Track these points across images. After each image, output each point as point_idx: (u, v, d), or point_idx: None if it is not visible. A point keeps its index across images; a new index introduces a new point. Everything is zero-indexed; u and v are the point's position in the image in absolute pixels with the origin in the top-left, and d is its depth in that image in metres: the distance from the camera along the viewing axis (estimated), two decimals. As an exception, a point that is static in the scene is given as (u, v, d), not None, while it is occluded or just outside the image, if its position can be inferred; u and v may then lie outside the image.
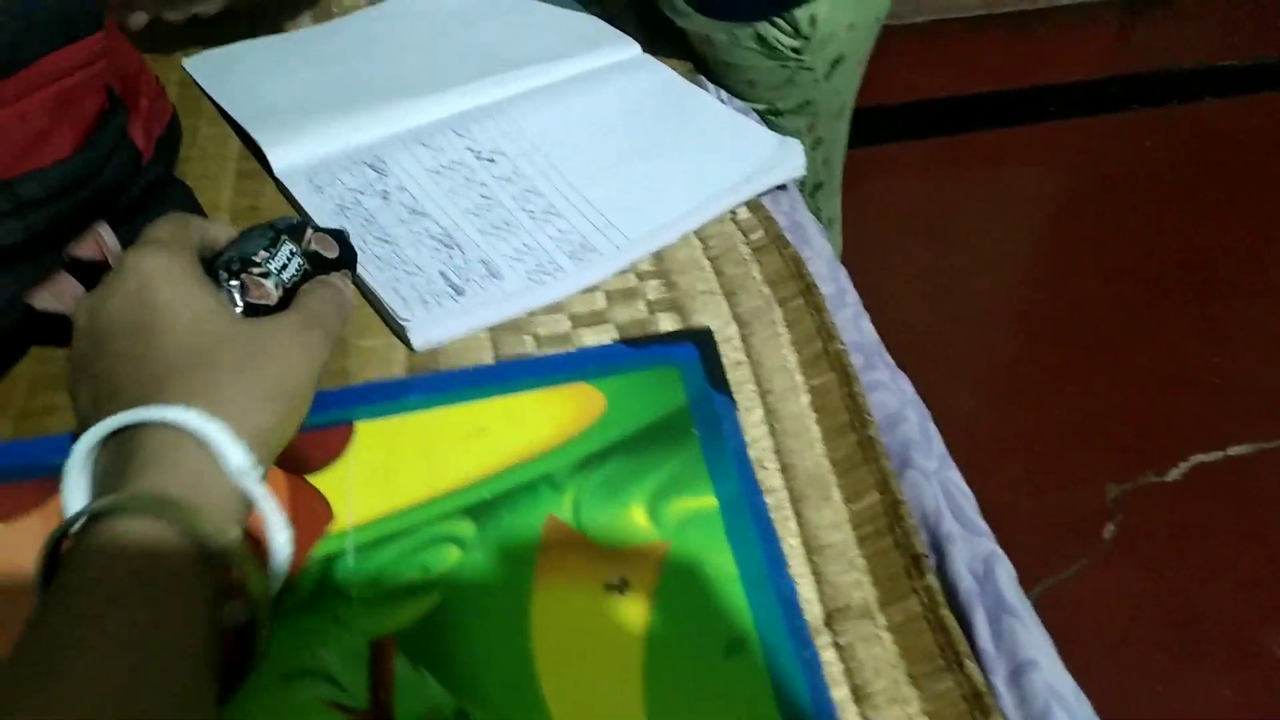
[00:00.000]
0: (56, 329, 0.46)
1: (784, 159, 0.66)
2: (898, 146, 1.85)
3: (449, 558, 0.41)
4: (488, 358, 0.54)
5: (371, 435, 0.47)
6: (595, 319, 0.57)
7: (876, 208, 1.65)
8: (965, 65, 2.06)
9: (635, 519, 0.43)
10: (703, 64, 0.83)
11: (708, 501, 0.44)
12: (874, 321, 0.60)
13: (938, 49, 2.09)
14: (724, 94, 0.79)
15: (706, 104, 0.72)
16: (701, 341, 0.54)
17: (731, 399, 0.51)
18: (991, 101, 2.00)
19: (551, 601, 0.40)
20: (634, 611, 0.40)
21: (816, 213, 0.86)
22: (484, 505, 0.43)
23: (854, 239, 1.01)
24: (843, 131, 0.95)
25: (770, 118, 0.85)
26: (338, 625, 0.38)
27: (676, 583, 0.40)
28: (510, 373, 0.51)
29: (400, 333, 0.54)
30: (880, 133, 1.83)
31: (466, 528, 0.42)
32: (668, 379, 0.51)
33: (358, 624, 0.38)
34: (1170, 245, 1.67)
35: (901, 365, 0.57)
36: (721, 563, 0.42)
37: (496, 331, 0.55)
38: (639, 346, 0.53)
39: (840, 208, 1.02)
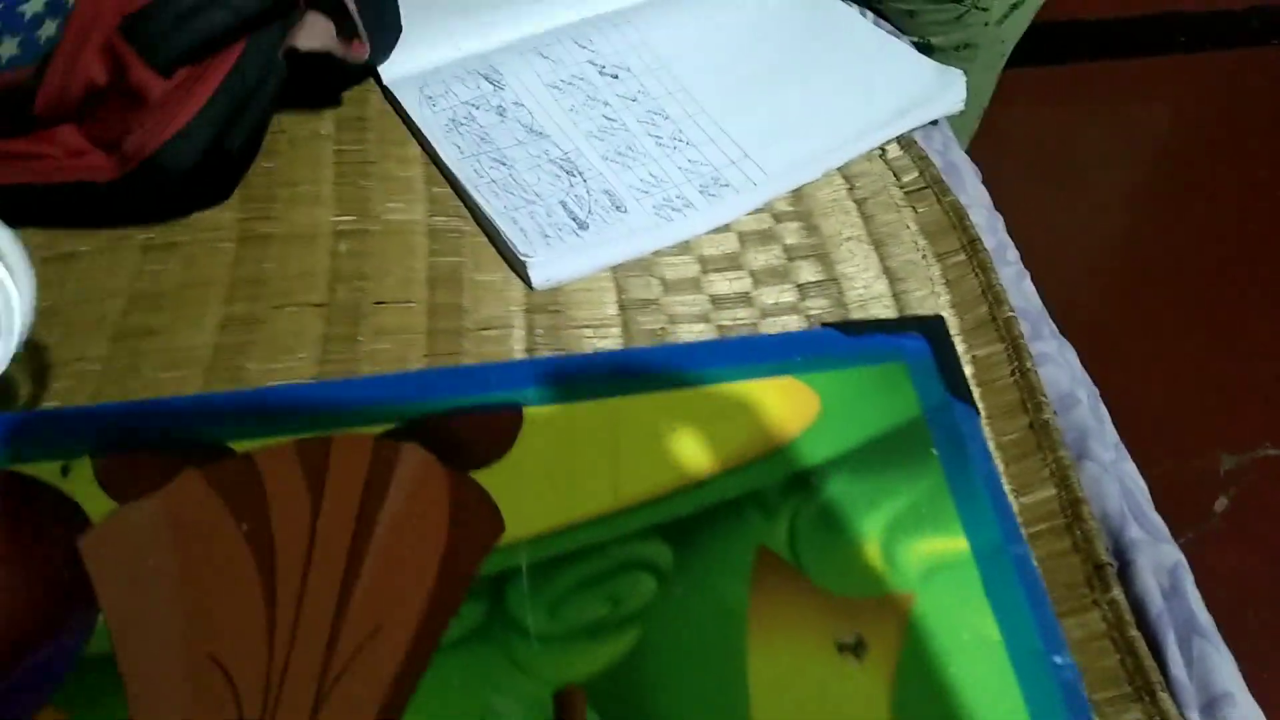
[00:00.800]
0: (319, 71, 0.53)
1: (943, 91, 0.59)
2: (1013, 73, 1.72)
3: (643, 589, 0.35)
4: (611, 302, 0.49)
5: (543, 425, 0.40)
6: (728, 263, 0.51)
7: (986, 140, 1.55)
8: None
9: (868, 560, 0.36)
10: None
11: (957, 544, 0.37)
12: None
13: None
14: (873, 17, 0.72)
15: (857, 24, 0.65)
16: (933, 333, 0.45)
17: (976, 409, 0.43)
18: (1115, 28, 1.85)
19: (771, 657, 0.33)
20: (875, 681, 0.33)
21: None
22: (681, 525, 0.37)
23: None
24: (991, 83, 0.86)
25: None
26: (515, 667, 0.33)
27: (925, 648, 0.33)
28: (703, 357, 0.44)
29: (520, 268, 0.49)
30: (1037, 54, 1.70)
31: (662, 552, 0.36)
32: (894, 378, 0.42)
33: (539, 668, 0.33)
34: (1307, 197, 1.54)
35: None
36: (980, 626, 0.35)
37: (620, 272, 0.50)
38: (855, 334, 0.45)
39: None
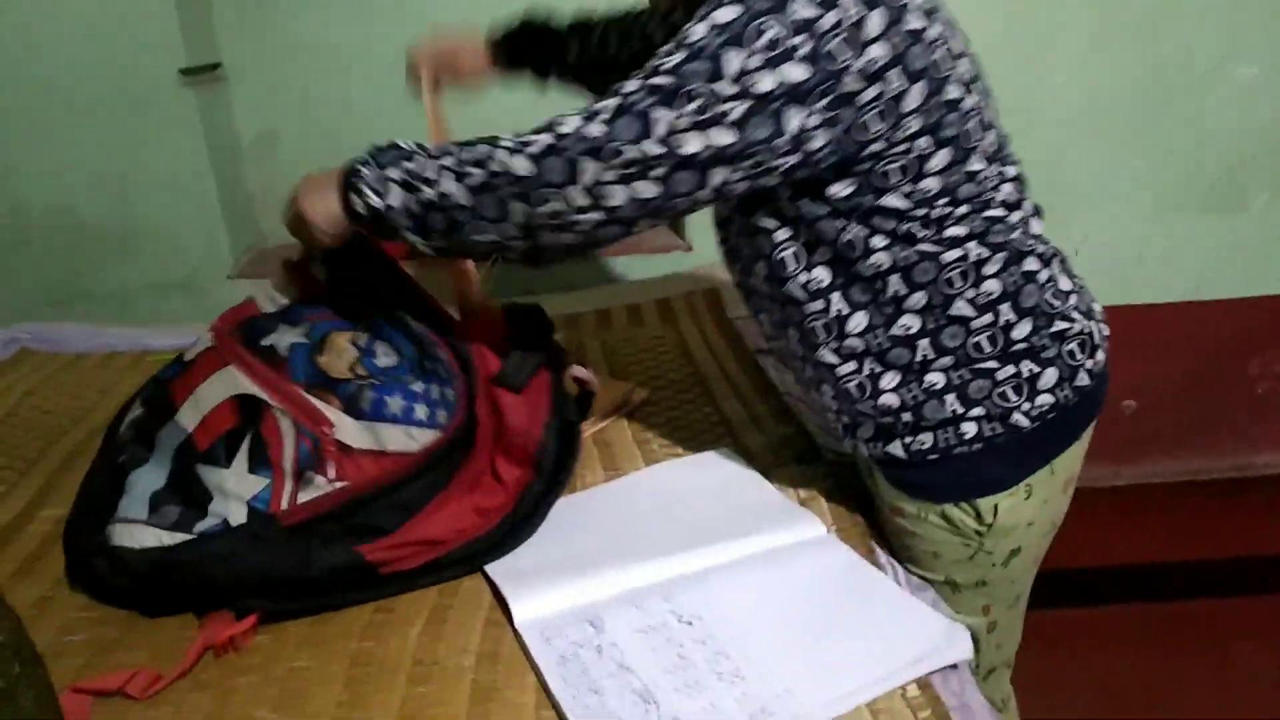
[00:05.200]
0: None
1: (952, 643, 0.74)
2: (1092, 611, 1.81)
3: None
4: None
5: None
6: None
7: (1068, 677, 1.60)
8: (1167, 531, 2.05)
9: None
10: (889, 531, 0.93)
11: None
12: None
13: (1137, 513, 2.10)
14: (900, 571, 0.89)
15: (882, 585, 0.82)
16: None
17: None
18: (1195, 570, 1.95)
19: None
20: None
21: (989, 696, 0.89)
22: None
23: (1039, 709, 1.01)
24: (1017, 620, 0.99)
25: (948, 590, 0.92)
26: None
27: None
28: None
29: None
30: (1075, 596, 1.81)
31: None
32: None
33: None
34: None
35: None
36: None
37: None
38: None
39: (1012, 687, 1.04)
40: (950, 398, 0.84)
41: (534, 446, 0.92)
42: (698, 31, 0.73)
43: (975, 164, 0.79)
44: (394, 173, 0.81)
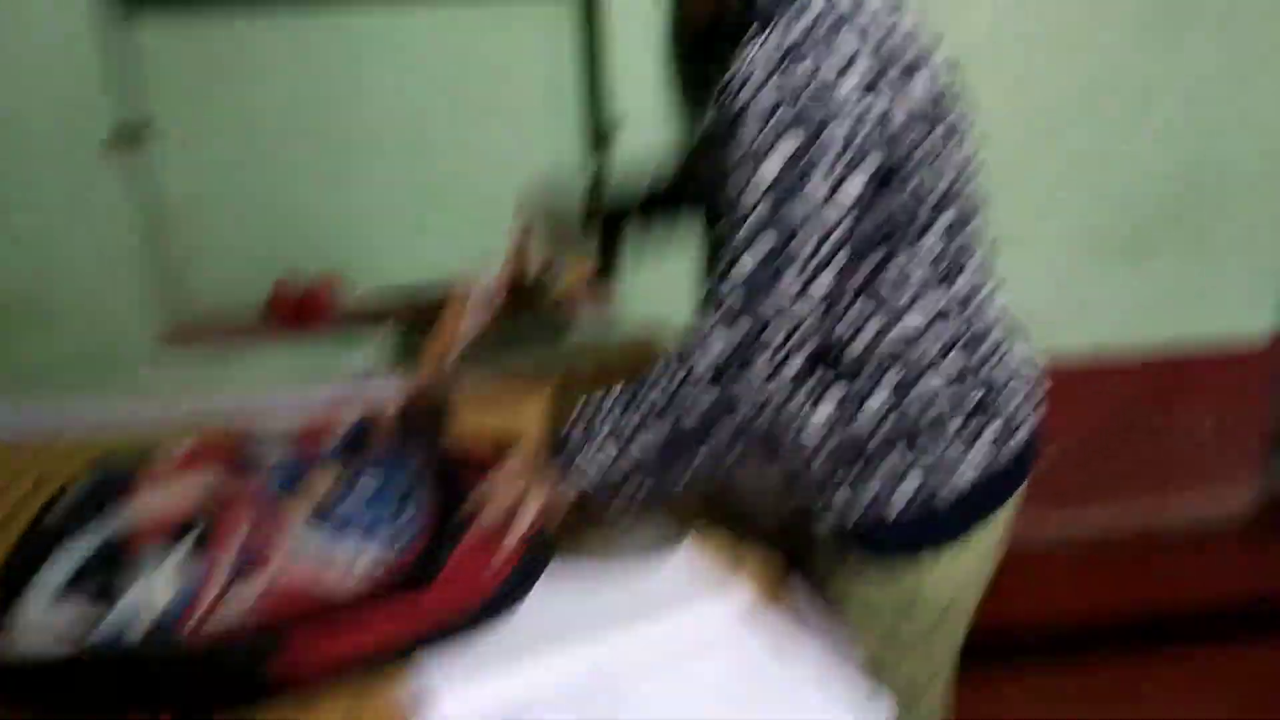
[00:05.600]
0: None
1: (876, 713, 0.74)
2: (1015, 668, 1.83)
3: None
4: None
5: None
6: None
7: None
8: (1093, 583, 2.09)
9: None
10: (823, 593, 0.95)
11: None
12: None
13: (1064, 564, 2.13)
14: (828, 635, 0.89)
15: (804, 660, 0.82)
16: None
17: None
18: (1118, 625, 1.98)
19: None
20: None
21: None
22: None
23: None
24: (943, 683, 1.01)
25: (879, 652, 0.94)
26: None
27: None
28: None
29: None
30: (998, 654, 1.82)
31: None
32: None
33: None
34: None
35: None
36: None
37: None
38: None
39: None
40: (895, 454, 0.86)
41: (489, 582, 0.89)
42: (768, 173, 0.73)
43: (972, 225, 0.87)
44: (600, 430, 0.86)
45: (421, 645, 0.84)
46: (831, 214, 0.72)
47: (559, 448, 0.87)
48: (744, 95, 0.72)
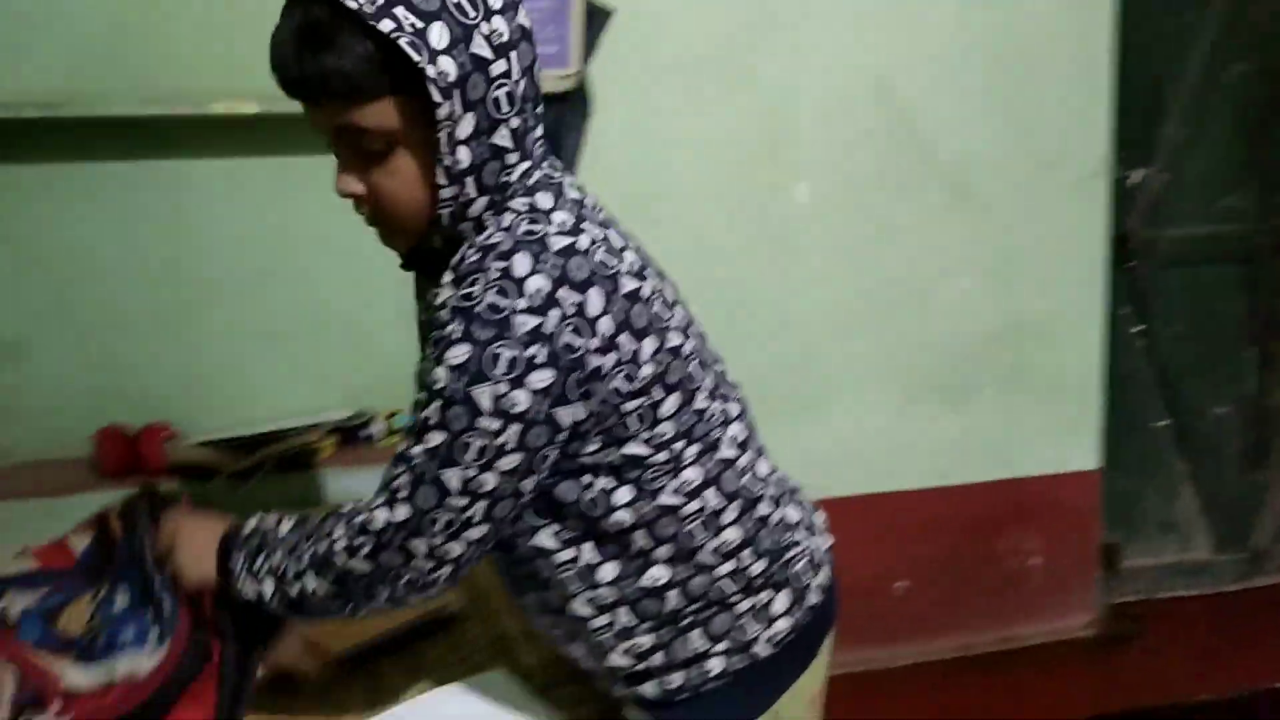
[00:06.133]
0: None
1: None
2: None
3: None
4: None
5: None
6: None
7: None
8: (945, 709, 2.14)
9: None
10: None
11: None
12: None
13: (916, 692, 2.19)
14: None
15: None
16: None
17: None
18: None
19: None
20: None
21: None
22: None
23: None
24: None
25: None
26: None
27: None
28: None
29: None
30: None
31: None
32: None
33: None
34: None
35: None
36: None
37: None
38: None
39: None
40: (695, 635, 0.88)
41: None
42: (440, 377, 0.75)
43: (701, 402, 0.86)
44: (261, 566, 0.86)
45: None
46: (494, 423, 0.74)
47: (221, 560, 0.89)
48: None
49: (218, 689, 0.90)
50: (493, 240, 0.78)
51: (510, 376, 0.73)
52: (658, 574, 0.85)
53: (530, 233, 0.77)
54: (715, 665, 0.87)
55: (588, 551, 0.85)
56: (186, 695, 0.88)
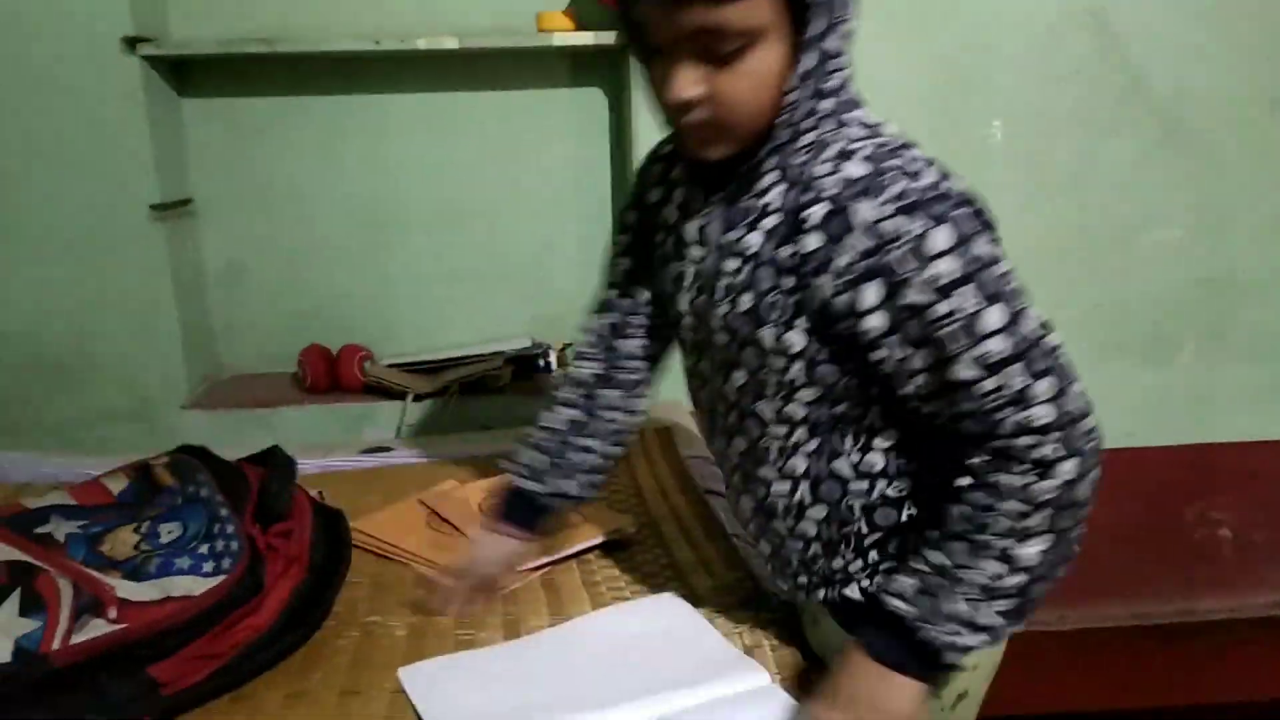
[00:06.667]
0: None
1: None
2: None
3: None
4: None
5: None
6: None
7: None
8: (1111, 676, 2.06)
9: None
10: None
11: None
12: None
13: (1085, 658, 2.11)
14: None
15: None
16: None
17: None
18: (1140, 717, 1.94)
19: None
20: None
21: None
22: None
23: None
24: None
25: None
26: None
27: None
28: None
29: None
30: None
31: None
32: None
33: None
34: None
35: None
36: None
37: None
38: None
39: None
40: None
41: (304, 554, 1.01)
42: (978, 280, 0.73)
43: None
44: (955, 605, 0.78)
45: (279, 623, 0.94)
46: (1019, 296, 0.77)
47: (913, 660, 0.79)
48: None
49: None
50: (853, 148, 0.78)
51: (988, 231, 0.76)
52: (926, 481, 0.85)
53: (895, 147, 0.78)
54: None
55: (892, 459, 0.85)
56: (238, 614, 0.92)
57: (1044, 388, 0.75)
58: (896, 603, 0.79)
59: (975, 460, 0.77)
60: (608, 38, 1.68)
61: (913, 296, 0.74)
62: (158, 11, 1.72)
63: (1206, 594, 2.25)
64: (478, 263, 1.92)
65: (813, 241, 0.77)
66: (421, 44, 1.66)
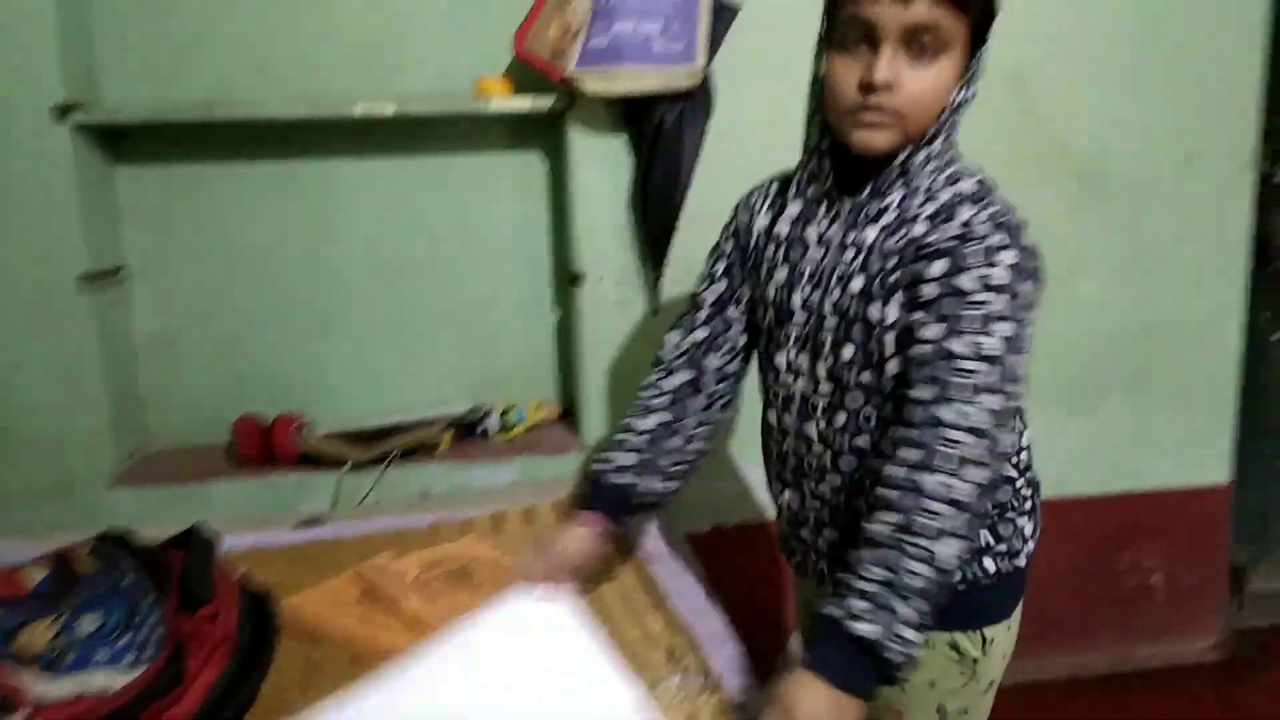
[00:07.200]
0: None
1: None
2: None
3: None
4: None
5: None
6: None
7: None
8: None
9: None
10: None
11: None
12: None
13: (1026, 713, 2.10)
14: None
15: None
16: None
17: None
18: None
19: None
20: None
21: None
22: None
23: None
24: None
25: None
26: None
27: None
28: None
29: None
30: None
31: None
32: None
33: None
34: None
35: None
36: None
37: None
38: None
39: None
40: (985, 533, 1.00)
41: (230, 638, 1.01)
42: (997, 276, 0.88)
43: None
44: (906, 612, 0.81)
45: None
46: (1032, 314, 0.92)
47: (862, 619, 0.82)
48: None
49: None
50: (964, 173, 0.96)
51: (1036, 281, 0.91)
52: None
53: (992, 187, 0.97)
54: (990, 565, 1.00)
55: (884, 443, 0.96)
56: (156, 707, 0.90)
57: (995, 401, 0.85)
58: (862, 626, 0.82)
59: (909, 455, 0.85)
60: (546, 102, 1.69)
61: (964, 282, 0.87)
62: (91, 77, 1.70)
63: (1143, 641, 2.28)
64: (417, 326, 1.90)
65: (918, 229, 0.92)
66: (359, 110, 1.66)
